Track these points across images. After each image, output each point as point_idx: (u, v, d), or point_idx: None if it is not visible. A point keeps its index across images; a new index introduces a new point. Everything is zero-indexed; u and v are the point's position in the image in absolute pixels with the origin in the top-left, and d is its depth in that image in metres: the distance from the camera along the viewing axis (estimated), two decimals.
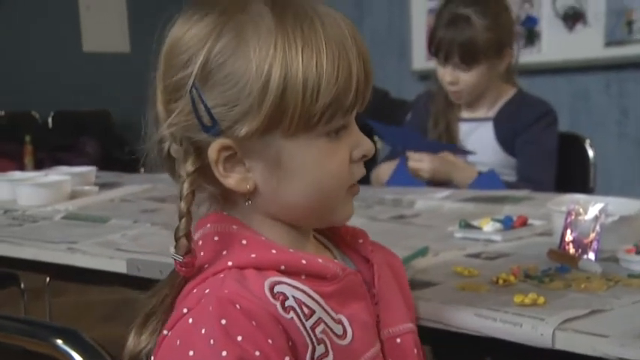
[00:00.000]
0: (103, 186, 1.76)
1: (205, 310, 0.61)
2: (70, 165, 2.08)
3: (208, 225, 0.68)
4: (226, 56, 0.63)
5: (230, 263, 0.64)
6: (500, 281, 0.88)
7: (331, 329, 0.65)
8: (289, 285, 0.64)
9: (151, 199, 1.61)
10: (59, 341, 0.69)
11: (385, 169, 1.89)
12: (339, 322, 0.66)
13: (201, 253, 0.66)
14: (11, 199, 1.59)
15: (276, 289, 0.63)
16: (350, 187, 0.70)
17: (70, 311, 2.82)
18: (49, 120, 4.54)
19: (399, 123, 2.02)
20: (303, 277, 0.65)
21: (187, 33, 0.65)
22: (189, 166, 0.65)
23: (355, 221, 1.30)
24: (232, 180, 0.66)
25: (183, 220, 0.64)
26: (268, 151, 0.65)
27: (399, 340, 0.73)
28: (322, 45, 0.63)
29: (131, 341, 0.65)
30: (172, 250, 0.65)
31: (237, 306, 0.60)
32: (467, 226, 1.16)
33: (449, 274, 0.94)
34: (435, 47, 1.79)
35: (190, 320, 0.61)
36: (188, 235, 0.65)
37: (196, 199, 0.67)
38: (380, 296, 0.73)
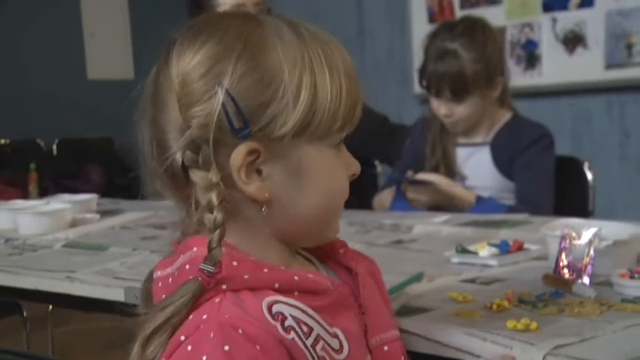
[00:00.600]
0: (104, 213, 1.77)
1: (206, 337, 0.60)
2: (75, 191, 2.09)
3: (195, 249, 0.66)
4: (256, 61, 0.64)
5: (224, 286, 0.63)
6: (495, 306, 0.89)
7: (329, 345, 0.65)
8: (286, 303, 0.63)
9: (151, 225, 1.62)
10: None
11: (387, 195, 1.90)
12: (335, 335, 0.66)
13: (190, 278, 0.64)
14: (12, 228, 1.60)
15: (274, 309, 0.62)
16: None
17: (73, 339, 2.82)
18: (54, 147, 4.58)
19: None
20: (296, 293, 0.65)
21: (201, 49, 0.65)
22: (213, 175, 0.63)
23: (353, 247, 1.32)
24: (253, 187, 0.65)
25: (218, 231, 0.63)
26: (292, 155, 0.66)
27: (386, 348, 0.73)
28: (339, 61, 0.68)
29: (135, 354, 0.63)
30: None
31: (240, 330, 0.60)
32: (463, 251, 1.17)
33: (444, 300, 0.94)
34: (426, 82, 1.82)
35: (189, 347, 0.60)
36: (220, 246, 0.63)
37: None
38: (366, 306, 0.73)
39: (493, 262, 1.12)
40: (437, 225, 1.51)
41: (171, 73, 0.65)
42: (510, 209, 1.72)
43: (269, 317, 0.61)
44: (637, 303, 0.88)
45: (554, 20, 3.52)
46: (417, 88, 3.91)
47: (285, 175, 0.67)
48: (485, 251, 1.15)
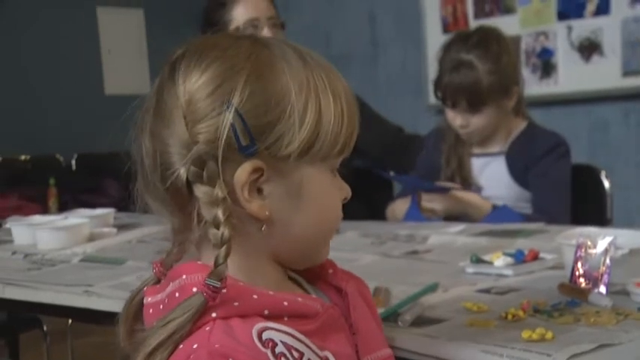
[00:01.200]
0: (122, 227, 1.79)
1: None
2: (94, 206, 2.11)
3: (184, 276, 0.65)
4: (265, 82, 0.65)
5: (214, 314, 0.62)
6: (510, 316, 0.88)
7: None
8: (276, 330, 0.63)
9: (167, 239, 1.62)
10: None
11: (400, 205, 1.90)
12: (326, 359, 0.66)
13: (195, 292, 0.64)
14: (31, 244, 1.61)
15: (264, 335, 0.62)
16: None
17: (93, 351, 2.84)
18: (73, 162, 4.62)
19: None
20: (285, 318, 0.65)
21: (209, 67, 0.65)
22: (220, 191, 0.63)
23: (367, 258, 1.33)
24: (255, 205, 0.66)
25: (225, 247, 0.62)
26: (294, 175, 0.67)
27: None
28: (340, 87, 0.69)
29: None
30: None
31: None
32: (478, 261, 1.16)
33: (458, 310, 0.94)
34: (442, 93, 1.82)
35: None
36: (226, 262, 0.63)
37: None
38: (356, 325, 0.73)
39: (508, 271, 1.12)
40: (452, 235, 1.51)
41: (178, 91, 0.66)
42: (526, 218, 1.71)
43: (259, 345, 0.61)
44: None
45: (570, 28, 3.51)
46: (432, 99, 3.92)
47: (286, 194, 0.67)
48: (500, 261, 1.14)
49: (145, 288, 0.72)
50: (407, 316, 0.90)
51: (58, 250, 1.53)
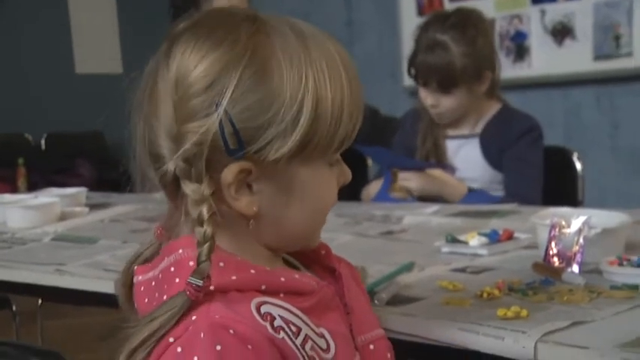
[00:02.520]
0: (94, 207, 1.77)
1: (196, 338, 0.59)
2: (65, 186, 2.08)
3: (180, 250, 0.65)
4: (259, 81, 0.63)
5: (212, 287, 0.62)
6: (485, 295, 0.89)
7: (317, 344, 0.65)
8: (273, 304, 0.63)
9: (141, 219, 1.61)
10: None
11: (374, 187, 1.91)
12: (322, 335, 0.66)
13: (177, 280, 0.64)
14: (1, 222, 1.59)
15: (263, 309, 0.62)
16: None
17: (64, 333, 2.81)
18: (42, 142, 4.55)
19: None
20: (282, 295, 0.65)
21: (205, 59, 0.63)
22: (205, 189, 0.62)
23: (343, 238, 1.33)
24: (242, 203, 0.65)
25: (208, 244, 0.62)
26: (284, 175, 0.66)
27: (372, 347, 0.73)
28: (343, 76, 0.66)
29: None
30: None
31: (231, 331, 0.59)
32: (453, 240, 1.17)
33: (434, 289, 0.94)
34: (415, 71, 1.82)
35: (179, 349, 0.59)
36: (209, 260, 0.62)
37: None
38: (350, 305, 0.73)
39: (483, 251, 1.13)
40: (427, 216, 1.52)
41: (170, 78, 0.63)
42: (499, 202, 1.72)
43: (258, 318, 0.61)
44: (625, 290, 0.89)
45: (543, 12, 3.53)
46: (408, 81, 3.92)
47: (276, 191, 0.66)
48: (475, 241, 1.15)
49: (146, 252, 0.72)
50: (383, 295, 0.90)
51: (29, 229, 1.51)
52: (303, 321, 0.64)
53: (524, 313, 0.80)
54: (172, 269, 0.65)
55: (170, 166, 0.63)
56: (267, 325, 0.61)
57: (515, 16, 3.61)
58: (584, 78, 3.42)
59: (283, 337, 0.61)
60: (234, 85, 0.62)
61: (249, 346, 0.59)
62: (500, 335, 0.76)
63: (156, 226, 0.71)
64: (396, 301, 0.89)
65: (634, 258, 0.96)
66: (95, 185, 3.57)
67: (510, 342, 0.74)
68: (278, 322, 0.62)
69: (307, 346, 0.63)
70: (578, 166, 1.89)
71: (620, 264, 0.95)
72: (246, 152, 0.63)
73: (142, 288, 0.68)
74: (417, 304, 0.89)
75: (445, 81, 1.77)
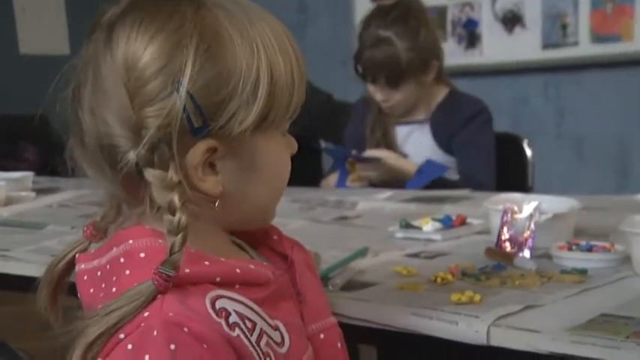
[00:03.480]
0: (41, 191, 1.72)
1: (148, 336, 0.57)
2: (10, 172, 2.01)
3: (130, 241, 0.62)
4: (213, 56, 0.61)
5: None
6: (439, 280, 0.90)
7: (272, 338, 0.64)
8: (229, 298, 0.61)
9: (90, 203, 1.57)
10: None
11: (333, 179, 1.92)
12: (276, 328, 0.65)
13: (127, 272, 0.61)
14: None
15: (218, 304, 0.60)
16: None
17: (8, 321, 2.74)
18: None
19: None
20: (237, 286, 0.63)
21: (154, 40, 0.61)
22: (173, 175, 0.60)
23: (296, 223, 1.32)
24: (209, 184, 0.63)
25: (181, 234, 0.59)
26: (247, 149, 0.65)
27: (322, 336, 0.72)
28: (287, 44, 0.66)
29: None
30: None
31: (186, 329, 0.57)
32: (407, 226, 1.18)
33: (388, 274, 0.94)
34: (362, 69, 1.83)
35: (130, 346, 0.57)
36: (182, 250, 0.60)
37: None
38: (303, 293, 0.72)
39: (437, 236, 1.14)
40: (380, 201, 1.52)
41: (118, 65, 0.61)
42: (454, 185, 1.74)
43: (213, 314, 0.59)
44: (575, 274, 0.91)
45: (494, 0, 3.57)
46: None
47: (239, 168, 0.65)
48: (429, 226, 1.16)
49: (72, 253, 0.69)
50: (337, 280, 0.90)
51: None
52: (258, 314, 0.63)
53: (477, 297, 0.81)
54: (122, 260, 0.62)
55: (131, 155, 0.60)
56: (223, 321, 0.59)
57: (467, 4, 3.64)
58: (533, 66, 3.48)
59: (238, 335, 0.60)
60: (191, 62, 0.60)
61: (205, 345, 0.57)
62: (454, 320, 0.76)
63: (85, 225, 0.69)
64: (350, 286, 0.90)
65: (583, 243, 0.98)
66: (41, 170, 3.48)
67: (464, 326, 0.75)
68: (233, 317, 0.60)
69: (262, 342, 0.62)
70: (529, 152, 1.93)
71: (570, 249, 0.97)
72: (211, 129, 0.62)
73: (86, 277, 0.65)
74: (371, 289, 0.89)
75: (393, 77, 1.79)
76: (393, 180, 1.81)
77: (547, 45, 3.44)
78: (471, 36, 3.65)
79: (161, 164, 0.60)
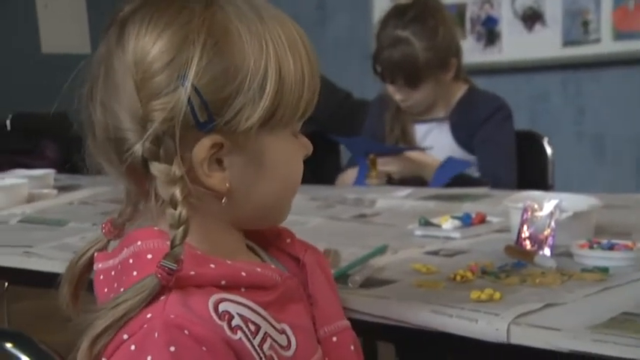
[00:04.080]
0: (62, 189, 1.74)
1: (150, 337, 0.57)
2: (31, 168, 2.04)
3: (139, 242, 0.63)
4: (221, 51, 0.62)
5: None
6: (458, 278, 0.89)
7: (276, 342, 0.64)
8: (232, 301, 0.61)
9: (111, 201, 1.59)
10: (9, 345, 0.68)
11: (350, 174, 1.91)
12: (283, 331, 0.65)
13: (135, 273, 0.62)
14: None
15: (221, 307, 0.60)
16: None
17: (31, 316, 2.77)
18: (8, 122, 4.46)
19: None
20: (242, 289, 0.63)
21: (162, 35, 0.62)
22: (176, 169, 0.60)
23: (315, 221, 1.32)
24: (215, 180, 0.63)
25: (182, 228, 0.60)
26: (254, 146, 0.65)
27: (335, 339, 0.72)
28: (299, 43, 0.66)
29: (83, 352, 0.60)
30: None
31: (186, 331, 0.57)
32: (426, 223, 1.17)
33: (407, 272, 0.94)
34: (380, 69, 1.82)
35: (133, 347, 0.58)
36: (183, 243, 0.60)
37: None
38: (314, 296, 0.72)
39: (456, 234, 1.13)
40: (399, 199, 1.52)
41: (128, 60, 0.62)
42: (475, 183, 1.73)
43: (215, 317, 0.59)
44: (596, 272, 0.90)
45: None
46: None
47: (247, 164, 0.65)
48: (448, 224, 1.16)
49: (92, 250, 0.70)
50: (357, 277, 0.90)
51: None
52: (263, 317, 0.63)
53: (497, 295, 0.81)
54: (131, 261, 0.63)
55: (137, 148, 0.61)
56: (225, 325, 0.60)
57: (487, 1, 3.62)
58: (553, 63, 3.45)
59: (240, 338, 0.60)
60: (198, 56, 0.61)
61: (204, 348, 0.57)
62: (474, 318, 0.76)
63: (103, 222, 0.70)
64: (370, 283, 0.90)
65: (603, 241, 0.97)
66: (61, 167, 3.51)
67: (484, 324, 0.75)
68: (236, 321, 0.60)
69: (266, 346, 0.62)
70: (549, 150, 1.91)
71: (591, 247, 0.96)
72: (216, 124, 0.62)
73: (102, 277, 0.66)
74: (390, 286, 0.89)
75: (411, 77, 1.79)
76: (412, 177, 1.80)
77: (567, 42, 3.41)
78: (490, 34, 3.63)
79: (167, 158, 0.61)
